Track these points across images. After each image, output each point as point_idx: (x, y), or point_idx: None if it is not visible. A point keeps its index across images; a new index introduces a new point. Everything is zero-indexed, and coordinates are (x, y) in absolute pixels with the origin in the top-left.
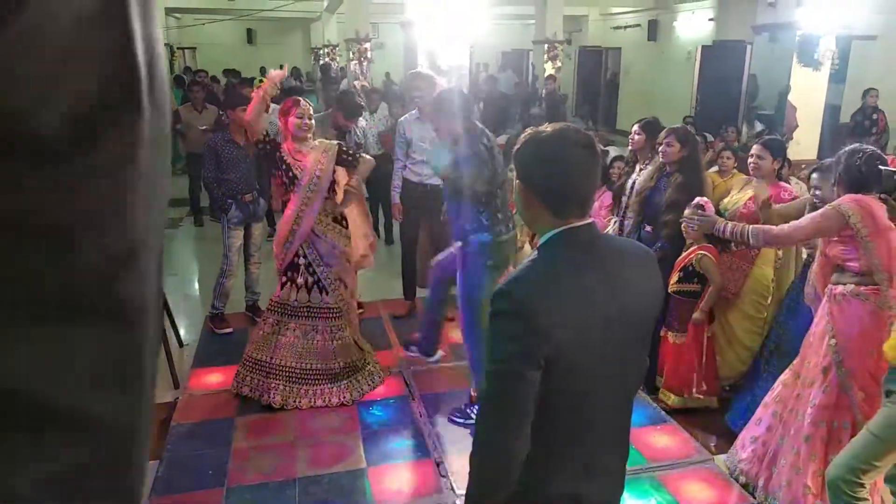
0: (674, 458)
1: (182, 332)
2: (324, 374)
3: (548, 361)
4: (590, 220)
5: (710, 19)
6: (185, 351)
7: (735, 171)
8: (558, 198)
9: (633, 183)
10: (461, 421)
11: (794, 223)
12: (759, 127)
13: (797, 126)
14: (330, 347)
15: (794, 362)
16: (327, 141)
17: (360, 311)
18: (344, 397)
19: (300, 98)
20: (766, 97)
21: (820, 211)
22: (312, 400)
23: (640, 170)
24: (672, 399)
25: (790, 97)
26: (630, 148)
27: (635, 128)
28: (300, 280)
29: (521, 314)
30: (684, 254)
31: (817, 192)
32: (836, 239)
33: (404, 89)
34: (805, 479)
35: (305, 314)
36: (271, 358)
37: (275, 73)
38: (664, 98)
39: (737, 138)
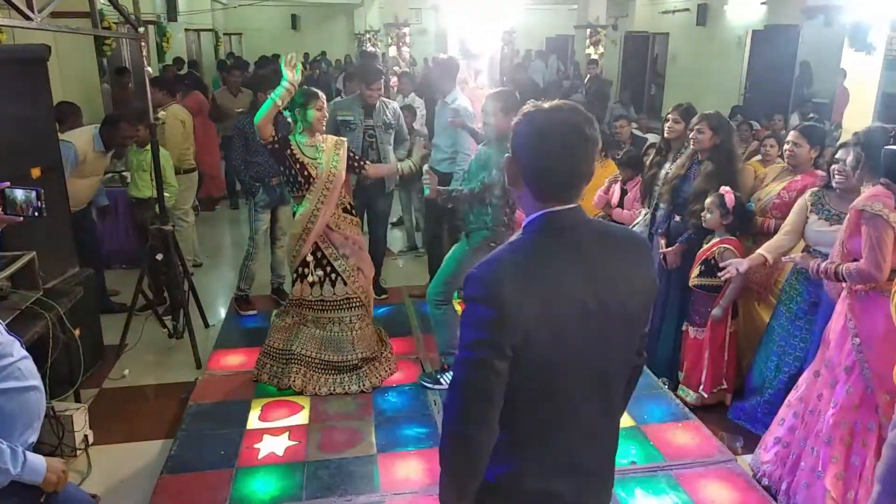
0: (694, 456)
1: (211, 313)
2: (342, 365)
3: (516, 351)
4: (575, 205)
5: (763, 3)
6: (211, 332)
7: (780, 159)
8: (541, 179)
9: (667, 173)
10: (430, 386)
11: (870, 256)
12: (811, 115)
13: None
14: (348, 338)
15: (814, 361)
16: (334, 137)
17: (385, 296)
18: (364, 385)
19: (318, 90)
20: (820, 84)
21: (870, 226)
22: (332, 388)
23: (674, 158)
24: (690, 395)
25: (845, 83)
26: (665, 136)
27: (673, 116)
28: (311, 277)
29: (489, 300)
30: (706, 246)
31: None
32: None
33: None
34: (824, 482)
35: (321, 307)
36: (291, 346)
37: (294, 74)
38: (712, 85)
39: (784, 126)
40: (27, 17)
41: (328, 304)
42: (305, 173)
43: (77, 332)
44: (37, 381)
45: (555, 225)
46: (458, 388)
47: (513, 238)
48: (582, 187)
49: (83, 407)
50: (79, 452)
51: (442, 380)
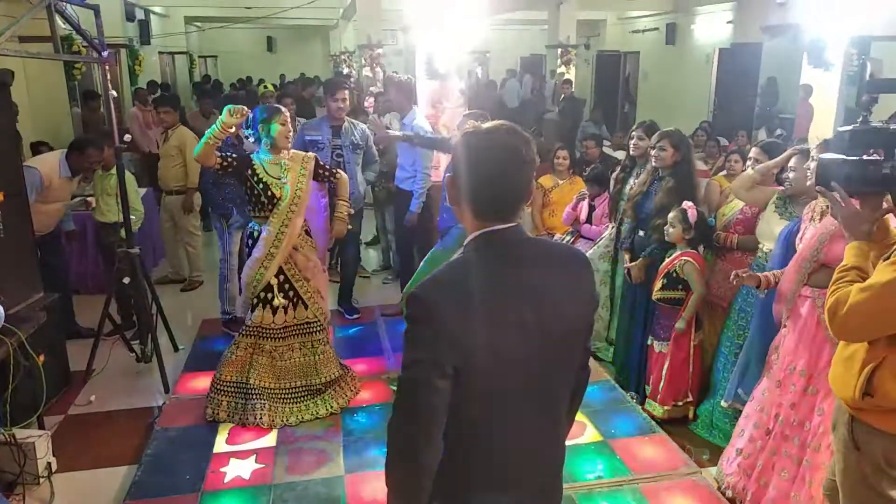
0: (659, 469)
1: (180, 337)
2: (306, 389)
3: (457, 369)
4: (514, 224)
5: (729, 22)
6: (180, 355)
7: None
8: (480, 198)
9: (631, 188)
10: None
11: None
12: (778, 132)
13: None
14: (311, 362)
15: (773, 371)
16: (301, 153)
17: (357, 315)
18: (330, 407)
19: (280, 106)
20: (786, 101)
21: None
22: (300, 416)
23: (639, 174)
24: (657, 409)
25: (811, 100)
26: (631, 153)
27: (637, 133)
28: (277, 301)
29: (430, 320)
30: (668, 260)
31: (790, 175)
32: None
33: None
34: (811, 490)
35: (282, 335)
36: (247, 379)
37: (231, 119)
38: (682, 102)
39: (748, 142)
40: None
41: (290, 329)
42: (269, 193)
43: (41, 358)
44: None
45: (494, 243)
46: (401, 408)
47: (454, 257)
48: (521, 206)
49: (46, 434)
50: (42, 480)
51: None
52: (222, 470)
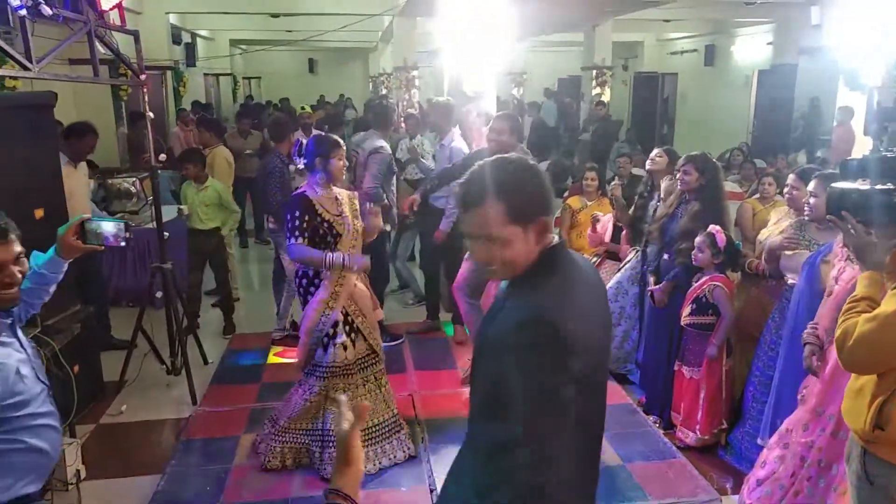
0: (678, 495)
1: (210, 350)
2: (380, 427)
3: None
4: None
5: (769, 43)
6: (209, 369)
7: (778, 197)
8: (541, 217)
9: (655, 209)
10: None
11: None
12: (819, 154)
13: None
14: (379, 397)
15: (804, 408)
16: (346, 191)
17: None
18: (408, 449)
19: (339, 139)
20: (830, 123)
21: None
22: (377, 462)
23: (659, 196)
24: (689, 436)
25: (853, 122)
26: (648, 168)
27: (656, 151)
28: (344, 339)
29: (559, 340)
30: (696, 284)
31: (811, 201)
32: None
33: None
34: None
35: (352, 370)
36: (323, 425)
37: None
38: (720, 123)
39: (786, 165)
40: (25, 68)
41: (355, 365)
42: (333, 231)
43: (75, 369)
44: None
45: (562, 258)
46: (535, 440)
47: (526, 279)
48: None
49: (76, 442)
50: (70, 487)
51: None
52: (242, 482)
